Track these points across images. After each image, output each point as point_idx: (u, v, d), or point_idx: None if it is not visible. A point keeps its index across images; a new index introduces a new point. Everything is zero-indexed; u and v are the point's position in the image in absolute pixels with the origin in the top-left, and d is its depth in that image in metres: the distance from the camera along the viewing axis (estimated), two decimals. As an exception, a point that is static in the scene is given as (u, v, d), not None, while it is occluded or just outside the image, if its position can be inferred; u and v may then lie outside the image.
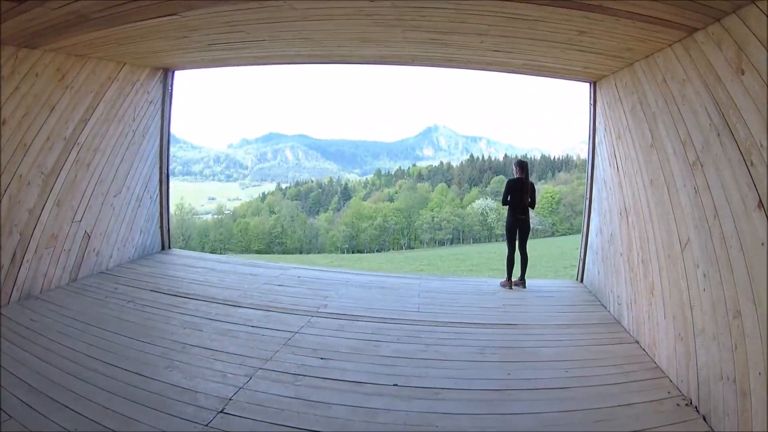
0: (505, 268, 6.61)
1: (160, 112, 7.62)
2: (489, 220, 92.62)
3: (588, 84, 6.60)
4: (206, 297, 5.36)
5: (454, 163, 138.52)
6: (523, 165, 6.55)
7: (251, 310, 4.91)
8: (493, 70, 6.47)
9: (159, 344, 4.02)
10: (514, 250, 6.44)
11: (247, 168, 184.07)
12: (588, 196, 6.83)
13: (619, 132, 5.41)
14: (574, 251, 21.77)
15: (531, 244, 6.53)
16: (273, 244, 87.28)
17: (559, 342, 4.40)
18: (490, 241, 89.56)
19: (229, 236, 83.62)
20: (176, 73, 7.74)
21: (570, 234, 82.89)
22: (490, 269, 13.68)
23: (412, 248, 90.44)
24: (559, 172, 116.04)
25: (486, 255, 19.77)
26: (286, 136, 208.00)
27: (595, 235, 6.47)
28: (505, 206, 6.50)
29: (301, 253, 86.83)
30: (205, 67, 7.34)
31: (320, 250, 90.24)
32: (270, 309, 5.00)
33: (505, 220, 6.67)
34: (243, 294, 5.51)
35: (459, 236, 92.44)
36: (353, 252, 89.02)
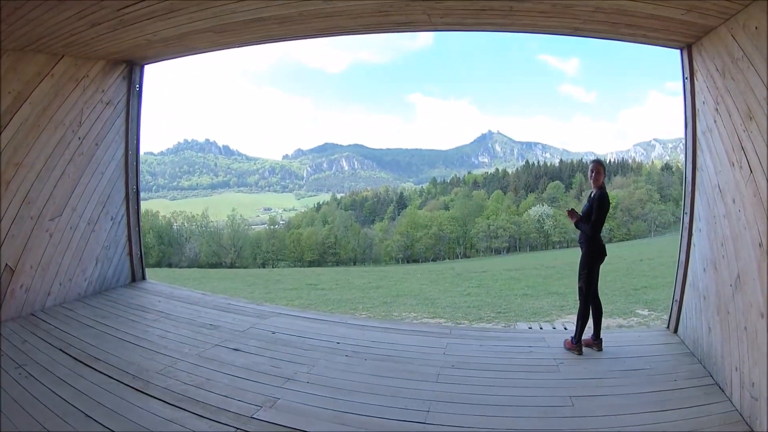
0: (575, 326, 4.37)
1: (123, 115, 6.21)
2: (546, 227, 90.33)
3: (679, 51, 4.50)
4: (118, 367, 3.70)
5: (510, 170, 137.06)
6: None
7: (155, 404, 3.13)
8: (550, 31, 4.48)
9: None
10: (592, 298, 4.34)
11: (302, 178, 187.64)
12: (687, 211, 4.66)
13: (750, 110, 3.27)
14: (639, 264, 18.70)
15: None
16: (326, 255, 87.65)
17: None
18: (546, 248, 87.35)
19: (281, 247, 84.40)
20: (146, 68, 6.37)
21: (627, 240, 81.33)
22: (549, 292, 11.41)
23: (468, 257, 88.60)
24: (615, 176, 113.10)
25: (543, 270, 17.25)
26: (341, 146, 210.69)
27: (702, 270, 4.29)
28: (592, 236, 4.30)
29: (354, 264, 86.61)
30: (172, 56, 5.85)
31: (375, 260, 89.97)
32: (183, 404, 3.16)
33: (586, 252, 4.31)
34: (171, 366, 3.78)
35: (515, 244, 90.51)
36: (408, 262, 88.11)
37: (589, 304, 4.29)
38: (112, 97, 5.99)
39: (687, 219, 4.68)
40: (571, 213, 4.42)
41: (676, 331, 4.75)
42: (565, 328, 7.04)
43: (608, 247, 4.52)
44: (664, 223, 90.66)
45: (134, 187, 6.37)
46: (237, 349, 4.15)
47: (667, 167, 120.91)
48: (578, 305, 4.37)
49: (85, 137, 5.63)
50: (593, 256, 4.26)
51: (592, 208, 4.26)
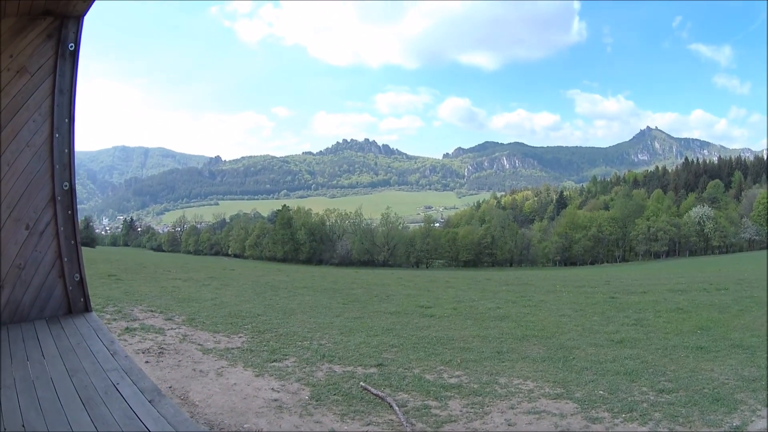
0: None
1: (47, 85, 4.51)
2: (706, 230, 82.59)
3: None
4: None
5: (669, 168, 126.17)
6: None
7: None
8: None
9: None
10: None
11: (463, 177, 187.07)
12: None
13: None
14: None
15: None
16: (482, 255, 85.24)
17: None
18: (705, 253, 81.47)
19: (436, 246, 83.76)
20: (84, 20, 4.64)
21: (796, 250, 69.26)
22: (730, 344, 7.12)
23: (627, 261, 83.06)
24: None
25: (715, 295, 12.03)
26: (502, 145, 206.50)
27: None
28: None
29: (511, 265, 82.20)
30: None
31: (532, 262, 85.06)
32: None
33: None
34: None
35: (675, 248, 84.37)
36: (565, 264, 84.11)
37: None
38: (26, 62, 4.34)
39: None
40: None
41: None
42: None
43: None
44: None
45: (66, 184, 4.65)
46: None
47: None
48: None
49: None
50: None
51: None
